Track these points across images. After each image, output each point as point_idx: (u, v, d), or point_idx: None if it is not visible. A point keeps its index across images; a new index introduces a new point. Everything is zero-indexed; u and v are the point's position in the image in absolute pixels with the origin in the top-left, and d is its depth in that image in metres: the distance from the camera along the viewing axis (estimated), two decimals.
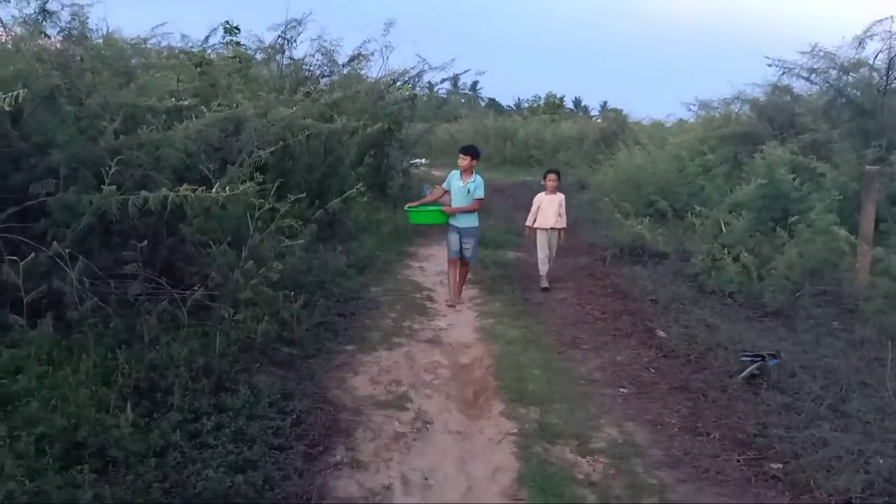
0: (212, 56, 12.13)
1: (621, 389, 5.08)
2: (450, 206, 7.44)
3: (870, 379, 5.05)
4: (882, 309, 6.44)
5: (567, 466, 3.87)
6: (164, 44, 9.44)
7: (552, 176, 8.45)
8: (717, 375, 5.21)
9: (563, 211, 8.32)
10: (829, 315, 6.68)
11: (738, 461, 3.98)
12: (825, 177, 8.78)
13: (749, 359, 5.30)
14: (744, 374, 5.10)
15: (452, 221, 7.37)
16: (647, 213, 11.03)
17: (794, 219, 7.80)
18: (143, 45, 8.07)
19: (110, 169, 4.44)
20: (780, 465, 3.90)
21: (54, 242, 4.25)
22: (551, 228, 8.27)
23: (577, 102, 70.43)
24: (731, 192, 9.54)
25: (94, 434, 3.29)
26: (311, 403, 4.39)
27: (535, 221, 8.36)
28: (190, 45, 11.53)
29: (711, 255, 8.13)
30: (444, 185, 7.61)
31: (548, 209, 8.27)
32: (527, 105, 53.72)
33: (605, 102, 59.61)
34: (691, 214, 9.29)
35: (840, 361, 5.39)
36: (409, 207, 7.58)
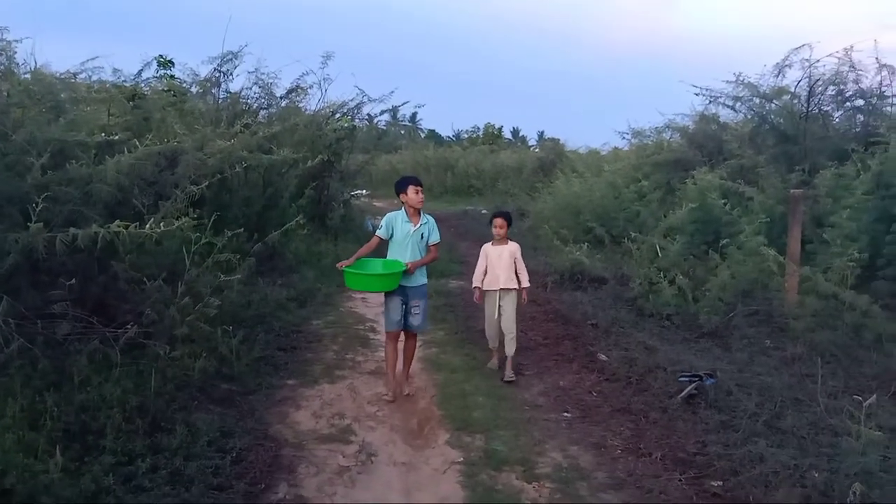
0: (145, 90, 11.97)
1: (565, 414, 5.12)
2: (402, 256, 5.47)
3: (802, 395, 5.21)
4: (811, 326, 6.68)
5: (513, 493, 3.87)
6: (94, 78, 9.24)
7: (499, 221, 6.29)
8: (658, 397, 5.32)
9: (520, 266, 6.24)
10: (762, 334, 6.89)
11: (680, 480, 4.04)
12: (753, 200, 9.14)
13: (687, 379, 5.43)
14: (682, 394, 5.21)
15: (402, 281, 5.42)
16: (585, 240, 11.26)
17: (724, 241, 8.07)
18: (73, 80, 7.90)
19: (37, 206, 4.29)
20: (720, 483, 3.98)
21: None
22: (502, 289, 6.18)
23: (515, 132, 71.63)
24: (664, 216, 9.84)
25: (22, 481, 3.13)
26: (251, 440, 4.28)
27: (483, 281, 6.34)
28: (122, 79, 11.31)
29: (648, 279, 8.34)
30: (382, 233, 5.50)
31: (497, 265, 6.20)
32: (466, 136, 54.42)
33: (543, 132, 60.70)
34: (627, 240, 9.50)
35: (773, 379, 5.55)
36: (345, 268, 5.30)
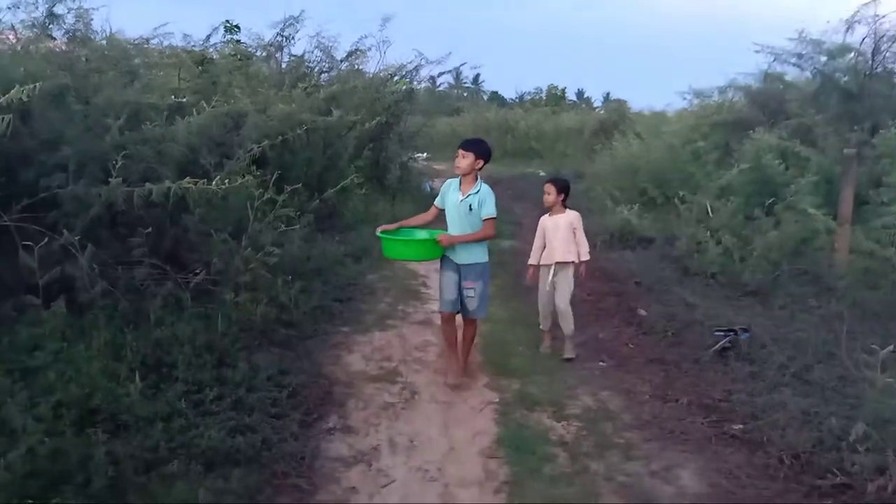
0: (213, 54, 12.50)
1: (600, 363, 5.39)
2: (446, 231, 4.92)
3: (836, 350, 5.33)
4: (855, 285, 6.72)
5: (542, 430, 4.20)
6: (165, 43, 9.72)
7: (546, 186, 5.73)
8: (692, 349, 5.53)
9: (579, 236, 5.67)
10: (807, 293, 6.94)
11: (702, 423, 4.30)
12: (810, 161, 9.06)
13: (722, 333, 5.60)
14: (716, 347, 5.40)
15: (449, 254, 4.89)
16: (640, 201, 11.34)
17: (770, 200, 8.07)
18: (146, 45, 8.38)
19: (116, 163, 4.76)
20: (740, 426, 4.21)
21: (65, 231, 4.56)
22: (557, 263, 5.63)
23: (580, 94, 70.57)
24: (718, 177, 9.84)
25: (107, 401, 3.62)
26: (306, 378, 4.71)
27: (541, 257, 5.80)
28: (192, 44, 11.87)
29: (696, 238, 8.43)
30: (438, 202, 5.03)
31: (554, 236, 5.62)
32: (529, 98, 53.96)
33: (609, 93, 59.69)
34: (677, 200, 9.56)
35: (810, 335, 5.66)
36: (381, 233, 4.95)
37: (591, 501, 3.41)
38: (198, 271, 5.17)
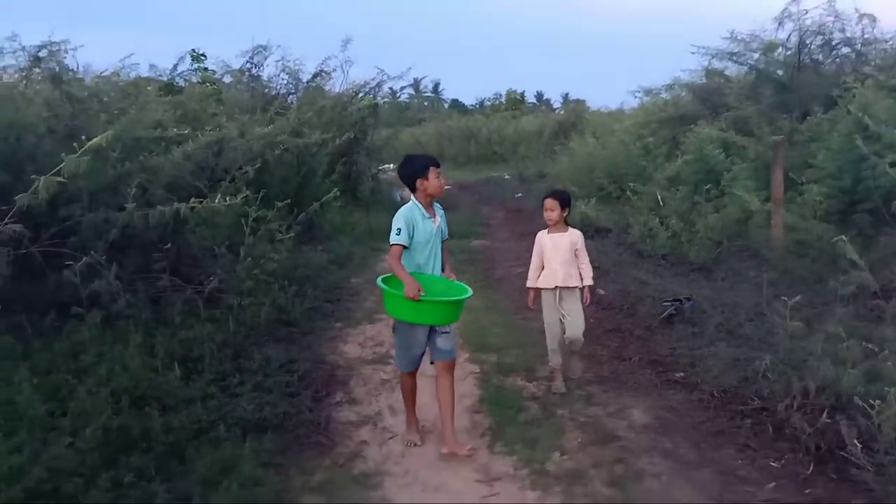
0: (181, 83, 13.19)
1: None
2: (425, 263, 4.13)
3: (766, 311, 6.19)
4: (787, 256, 7.61)
5: (517, 389, 4.98)
6: (132, 74, 10.24)
7: (548, 202, 5.07)
8: (643, 318, 6.35)
9: (582, 258, 5.06)
10: (747, 266, 7.81)
11: (650, 374, 5.13)
12: (747, 149, 10.01)
13: (669, 303, 6.44)
14: (663, 314, 6.23)
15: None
16: (596, 195, 12.22)
17: (707, 186, 8.97)
18: (118, 77, 8.98)
19: (131, 191, 5.44)
20: (681, 374, 5.04)
21: (91, 252, 5.22)
22: (561, 287, 5.01)
23: (539, 96, 71.77)
24: (665, 170, 10.76)
25: (151, 388, 4.30)
26: (312, 365, 5.43)
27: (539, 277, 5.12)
28: (158, 73, 12.54)
29: (648, 225, 9.31)
30: (404, 238, 4.00)
31: (554, 257, 5.01)
32: (489, 103, 55.00)
33: (567, 94, 61.04)
34: (629, 192, 10.44)
35: (745, 300, 6.52)
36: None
37: (558, 438, 4.17)
38: (210, 280, 5.84)
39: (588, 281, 5.08)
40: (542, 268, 5.09)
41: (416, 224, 4.07)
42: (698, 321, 6.04)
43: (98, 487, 3.21)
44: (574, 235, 5.11)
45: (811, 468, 3.63)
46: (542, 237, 5.14)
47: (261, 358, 5.19)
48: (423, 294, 3.77)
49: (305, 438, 4.19)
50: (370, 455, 4.05)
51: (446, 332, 4.11)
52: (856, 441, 3.44)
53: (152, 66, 12.14)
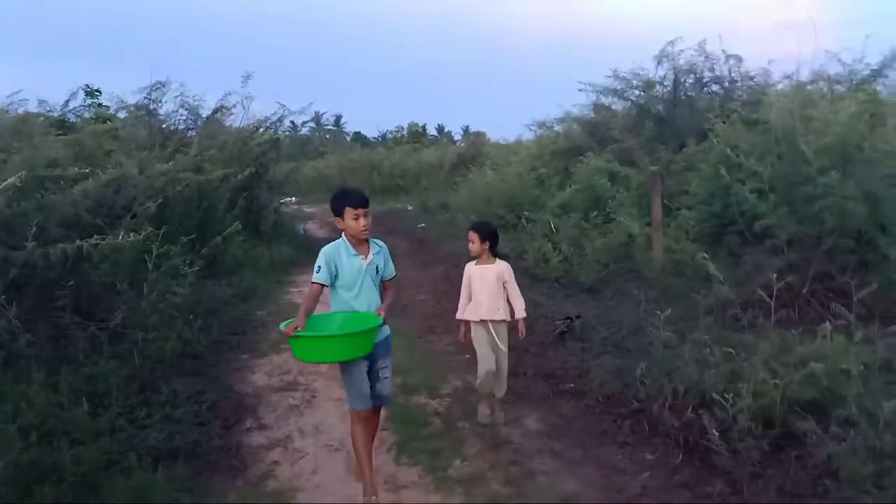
0: (73, 120, 12.93)
1: (466, 356, 6.53)
2: (355, 302, 3.91)
3: (646, 325, 6.77)
4: (666, 276, 8.30)
5: (421, 406, 5.29)
6: (20, 110, 10.01)
7: (470, 234, 5.11)
8: (538, 336, 6.79)
9: (511, 290, 5.03)
10: (631, 286, 8.41)
11: (543, 386, 5.54)
12: (630, 178, 10.81)
13: (561, 321, 6.93)
14: (555, 332, 6.71)
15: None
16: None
17: (594, 213, 9.65)
18: (6, 114, 8.82)
19: (31, 229, 5.43)
20: (571, 385, 5.49)
21: None
22: (489, 321, 4.96)
23: (440, 129, 73.21)
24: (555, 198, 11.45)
25: (59, 423, 4.34)
26: (220, 395, 5.55)
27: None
28: (48, 109, 12.27)
29: (542, 251, 9.89)
30: (323, 276, 3.85)
31: (481, 289, 5.00)
32: (391, 136, 55.69)
33: (468, 126, 62.59)
34: (523, 219, 11.02)
35: (629, 316, 7.09)
36: (288, 334, 3.63)
37: (459, 447, 4.50)
38: (115, 315, 5.86)
39: (520, 313, 4.97)
40: (471, 299, 5.05)
41: (339, 262, 3.88)
42: (587, 337, 6.54)
43: None
44: (501, 267, 5.06)
45: (680, 458, 4.11)
46: (470, 268, 5.13)
47: (168, 390, 5.27)
48: (290, 332, 3.57)
49: (217, 463, 4.34)
50: (282, 474, 4.25)
51: (386, 377, 4.06)
52: (714, 430, 3.94)
53: (41, 102, 11.88)
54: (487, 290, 4.97)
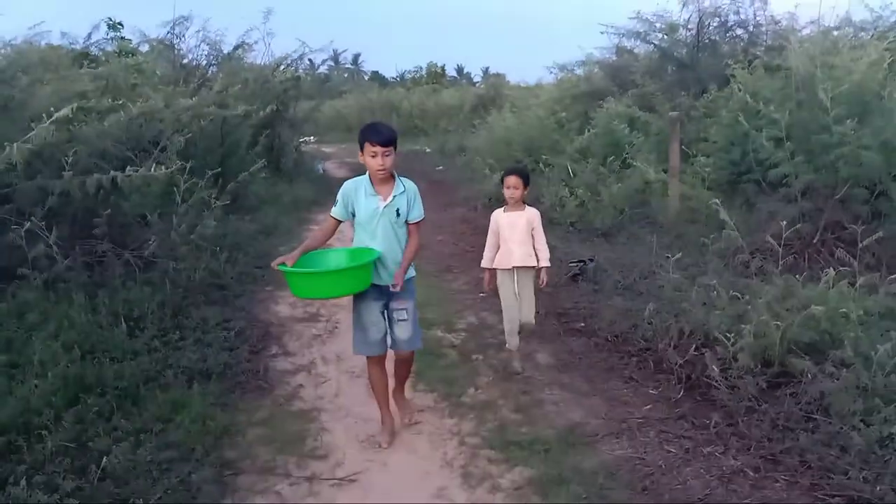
0: (96, 53, 13.04)
1: (481, 294, 6.77)
2: (370, 243, 3.79)
3: (657, 269, 6.95)
4: (681, 222, 8.44)
5: (437, 339, 5.55)
6: (44, 42, 10.13)
7: (511, 180, 4.86)
8: (552, 278, 6.91)
9: (538, 238, 4.95)
10: (645, 232, 8.60)
11: (555, 324, 5.77)
12: (650, 124, 10.84)
13: (574, 264, 7.12)
14: (568, 273, 6.91)
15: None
16: None
17: (612, 159, 9.74)
18: (31, 45, 8.96)
19: (69, 158, 5.66)
20: (582, 324, 5.72)
21: (32, 218, 5.44)
22: (518, 268, 4.91)
23: (459, 70, 72.26)
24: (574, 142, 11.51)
25: (99, 342, 4.65)
26: (247, 323, 5.84)
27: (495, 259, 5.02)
28: (71, 42, 12.38)
29: (558, 195, 10.02)
30: (339, 211, 3.82)
31: (511, 237, 4.89)
32: (410, 76, 55.08)
33: (488, 68, 61.74)
34: (541, 164, 11.12)
35: (642, 260, 7.27)
36: (282, 266, 3.58)
37: (473, 377, 4.77)
38: (149, 243, 6.14)
39: (545, 262, 4.94)
40: (498, 248, 4.97)
41: (356, 199, 3.77)
42: (599, 279, 6.74)
43: (65, 422, 3.58)
44: (531, 213, 4.94)
45: (681, 392, 4.35)
46: (498, 216, 4.98)
47: (198, 317, 5.57)
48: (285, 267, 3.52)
49: (246, 384, 4.64)
50: (306, 396, 4.55)
51: (403, 320, 3.82)
52: (715, 367, 4.16)
53: (64, 34, 11.99)
54: (519, 238, 4.87)
